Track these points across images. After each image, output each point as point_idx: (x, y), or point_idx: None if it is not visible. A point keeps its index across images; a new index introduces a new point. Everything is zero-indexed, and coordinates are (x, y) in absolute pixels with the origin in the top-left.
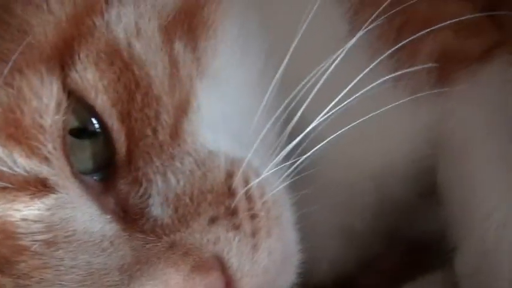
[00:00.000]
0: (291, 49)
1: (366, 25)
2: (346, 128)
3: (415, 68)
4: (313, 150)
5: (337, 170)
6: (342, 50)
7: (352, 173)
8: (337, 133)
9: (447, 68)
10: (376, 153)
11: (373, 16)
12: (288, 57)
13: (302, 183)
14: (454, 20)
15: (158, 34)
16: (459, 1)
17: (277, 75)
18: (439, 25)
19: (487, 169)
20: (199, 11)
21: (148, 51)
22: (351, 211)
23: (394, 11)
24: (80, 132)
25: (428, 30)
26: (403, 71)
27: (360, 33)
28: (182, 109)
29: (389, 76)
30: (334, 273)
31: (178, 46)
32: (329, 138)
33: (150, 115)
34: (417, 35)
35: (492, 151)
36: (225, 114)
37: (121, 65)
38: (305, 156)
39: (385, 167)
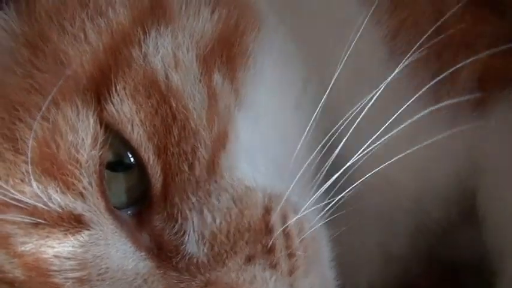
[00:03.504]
0: (334, 79)
1: (408, 55)
2: (387, 163)
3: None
4: (353, 186)
5: (377, 195)
6: (383, 83)
7: (392, 198)
8: (378, 168)
9: (487, 89)
10: (418, 178)
11: (416, 46)
12: (330, 86)
13: (341, 216)
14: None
15: (196, 65)
16: (497, 21)
17: (320, 105)
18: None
19: None
20: (237, 40)
21: (186, 83)
22: (389, 234)
23: (435, 40)
24: (115, 165)
25: (468, 50)
26: (447, 102)
27: (402, 65)
28: (220, 143)
29: (432, 108)
30: None
31: (217, 77)
32: (368, 175)
33: (187, 150)
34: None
35: None
36: (263, 146)
37: (158, 97)
38: (345, 192)
39: (426, 190)
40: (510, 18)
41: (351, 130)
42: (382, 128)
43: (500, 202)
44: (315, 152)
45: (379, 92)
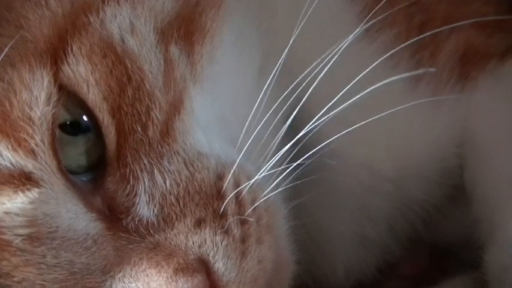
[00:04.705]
0: (289, 44)
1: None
2: (356, 126)
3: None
4: (312, 151)
5: (351, 177)
6: (340, 44)
7: (368, 180)
8: (346, 131)
9: (469, 65)
10: (397, 155)
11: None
12: (285, 51)
13: (310, 187)
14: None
15: (154, 35)
16: None
17: (274, 72)
18: (461, 23)
19: None
20: (197, 17)
21: (142, 47)
22: (365, 218)
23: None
24: (73, 129)
25: (450, 28)
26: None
27: (363, 25)
28: (175, 107)
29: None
30: (352, 280)
31: (174, 49)
32: (335, 137)
33: (140, 110)
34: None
35: None
36: (221, 117)
37: (114, 58)
38: (302, 159)
39: (407, 169)
40: None
41: (311, 89)
42: (347, 87)
43: (488, 177)
44: (267, 116)
45: (341, 49)
